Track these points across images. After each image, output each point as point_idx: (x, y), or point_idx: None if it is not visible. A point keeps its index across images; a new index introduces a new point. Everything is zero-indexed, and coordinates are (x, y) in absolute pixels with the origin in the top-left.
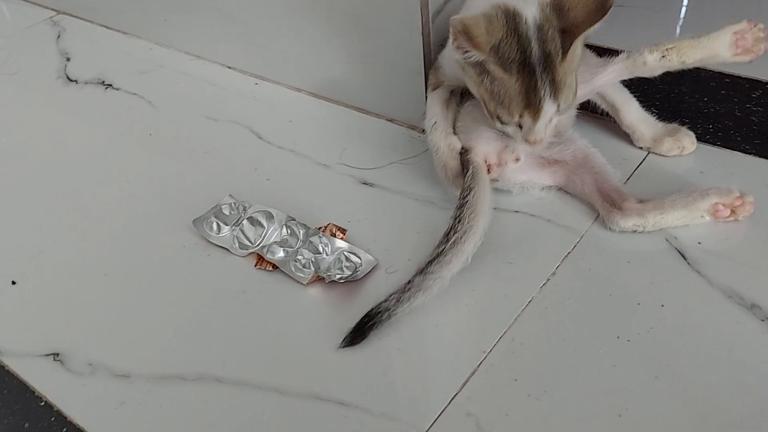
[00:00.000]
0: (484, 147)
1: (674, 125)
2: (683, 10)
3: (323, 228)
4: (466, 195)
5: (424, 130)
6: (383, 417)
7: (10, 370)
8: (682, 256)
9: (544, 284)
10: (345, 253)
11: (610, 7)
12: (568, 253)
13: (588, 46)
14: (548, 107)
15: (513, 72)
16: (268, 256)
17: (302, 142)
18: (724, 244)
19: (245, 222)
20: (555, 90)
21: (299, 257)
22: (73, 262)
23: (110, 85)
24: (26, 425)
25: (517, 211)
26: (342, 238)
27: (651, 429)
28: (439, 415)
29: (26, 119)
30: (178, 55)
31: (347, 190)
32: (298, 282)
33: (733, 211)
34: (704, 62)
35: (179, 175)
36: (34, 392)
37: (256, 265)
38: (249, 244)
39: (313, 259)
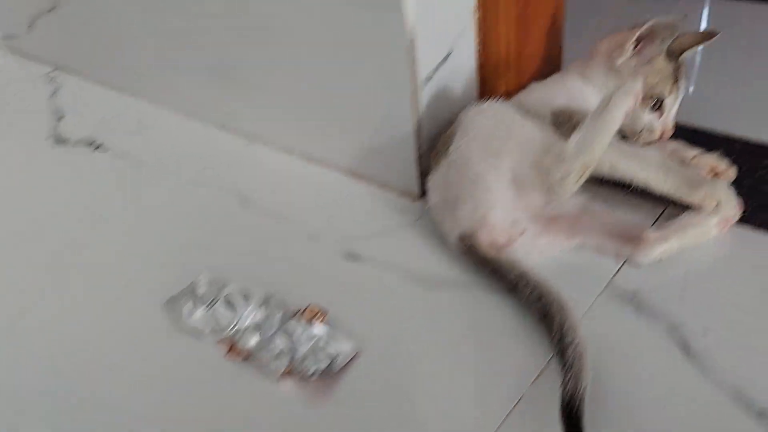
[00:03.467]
0: (493, 226)
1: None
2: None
3: (302, 311)
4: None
5: (418, 198)
6: None
7: None
8: (684, 346)
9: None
10: (323, 340)
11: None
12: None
13: None
14: (683, 84)
15: (666, 58)
16: (241, 344)
17: (289, 210)
18: (730, 331)
19: (220, 303)
20: (684, 73)
21: (273, 345)
22: (41, 339)
23: (100, 146)
24: None
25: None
26: (322, 321)
27: None
28: None
29: (11, 180)
30: (170, 114)
31: (332, 264)
32: (270, 375)
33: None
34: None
35: (159, 244)
36: None
37: (226, 355)
38: (222, 328)
39: (288, 348)
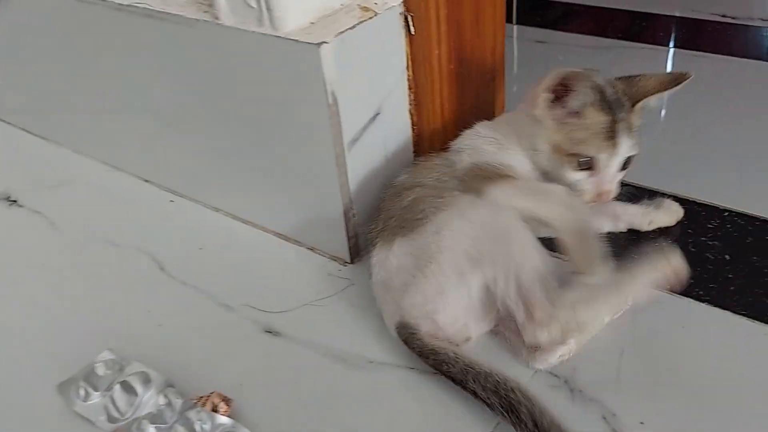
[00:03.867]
0: (438, 327)
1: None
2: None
3: (205, 398)
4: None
5: (347, 263)
6: None
7: None
8: None
9: None
10: None
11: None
12: None
13: None
14: (625, 141)
15: (600, 110)
16: None
17: (208, 276)
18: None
19: (117, 387)
20: (629, 128)
21: None
22: None
23: (15, 201)
24: None
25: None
26: (226, 412)
27: None
28: None
29: None
30: (95, 165)
31: (247, 341)
32: None
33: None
34: None
35: (62, 316)
36: None
37: None
38: (118, 416)
39: None
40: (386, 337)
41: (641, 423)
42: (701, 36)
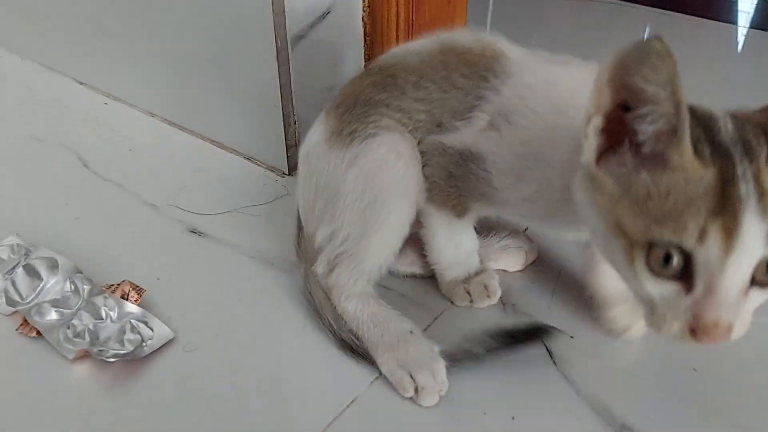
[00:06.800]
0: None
1: None
2: None
3: (114, 286)
4: None
5: (285, 174)
6: None
7: None
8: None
9: (373, 381)
10: (133, 321)
11: None
12: None
13: None
14: (752, 222)
15: (702, 158)
16: (35, 318)
17: (134, 176)
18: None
19: (20, 270)
20: (762, 196)
21: (75, 322)
22: None
23: None
24: None
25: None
26: (137, 301)
27: None
28: None
29: None
30: (28, 64)
31: (169, 239)
32: (66, 354)
33: None
34: None
35: None
36: None
37: (18, 329)
38: (18, 299)
39: (91, 327)
40: None
41: (571, 337)
42: None
